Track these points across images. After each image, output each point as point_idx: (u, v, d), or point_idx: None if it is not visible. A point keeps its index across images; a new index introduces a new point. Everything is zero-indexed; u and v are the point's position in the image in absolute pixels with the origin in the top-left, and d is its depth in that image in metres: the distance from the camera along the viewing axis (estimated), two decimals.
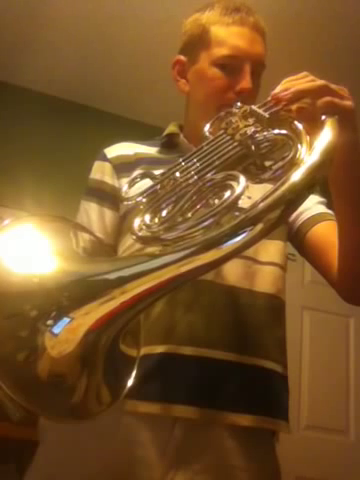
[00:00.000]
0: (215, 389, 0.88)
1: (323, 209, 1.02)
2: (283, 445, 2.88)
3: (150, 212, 0.66)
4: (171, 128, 1.10)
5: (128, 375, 0.67)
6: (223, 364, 0.88)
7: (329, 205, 1.01)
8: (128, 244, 0.95)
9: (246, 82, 0.95)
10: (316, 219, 1.00)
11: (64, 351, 0.60)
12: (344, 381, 2.94)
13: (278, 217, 0.56)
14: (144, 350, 0.76)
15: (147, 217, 0.65)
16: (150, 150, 1.08)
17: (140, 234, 0.63)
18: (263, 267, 0.97)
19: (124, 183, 0.98)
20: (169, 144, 1.07)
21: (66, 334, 0.59)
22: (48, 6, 2.47)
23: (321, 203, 1.04)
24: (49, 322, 0.59)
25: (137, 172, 1.00)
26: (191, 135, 1.05)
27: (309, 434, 2.80)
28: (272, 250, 0.98)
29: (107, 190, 1.03)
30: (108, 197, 1.02)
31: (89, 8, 2.46)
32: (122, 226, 0.99)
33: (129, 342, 0.68)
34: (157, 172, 0.98)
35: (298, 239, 1.02)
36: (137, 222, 0.65)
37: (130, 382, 0.67)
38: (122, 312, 0.59)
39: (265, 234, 0.56)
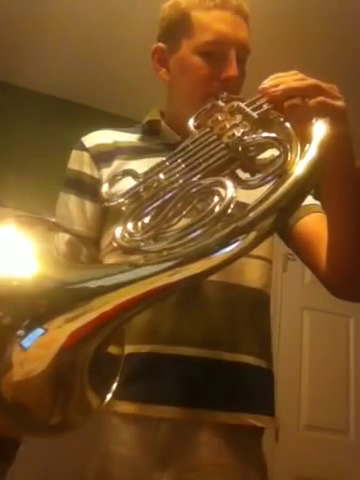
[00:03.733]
0: (200, 388, 0.87)
1: (311, 200, 0.99)
2: (283, 445, 2.88)
3: (132, 218, 0.63)
4: (152, 115, 1.06)
5: (112, 380, 0.64)
6: (208, 363, 0.87)
7: (316, 195, 0.97)
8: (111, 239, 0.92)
9: (232, 69, 0.91)
10: (304, 211, 0.97)
11: (34, 371, 0.54)
12: (344, 381, 2.93)
13: (271, 225, 0.54)
14: (128, 349, 0.74)
15: (130, 225, 0.62)
16: (130, 138, 1.04)
17: (123, 244, 0.60)
18: (251, 261, 0.94)
19: (104, 173, 0.97)
20: (151, 131, 1.04)
21: (37, 349, 0.54)
22: (48, 6, 2.46)
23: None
24: (20, 332, 0.53)
25: (117, 162, 0.97)
26: (174, 124, 1.01)
27: (309, 434, 2.80)
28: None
29: (86, 181, 0.99)
30: (88, 189, 0.98)
31: (89, 8, 2.44)
32: (105, 218, 0.96)
33: (113, 341, 0.65)
34: (137, 162, 0.94)
35: (285, 231, 0.99)
36: (119, 230, 0.62)
37: (114, 386, 0.63)
38: (102, 324, 0.55)
39: (258, 243, 0.54)
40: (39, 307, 0.54)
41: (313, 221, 0.96)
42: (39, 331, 0.53)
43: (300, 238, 0.97)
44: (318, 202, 0.98)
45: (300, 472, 2.68)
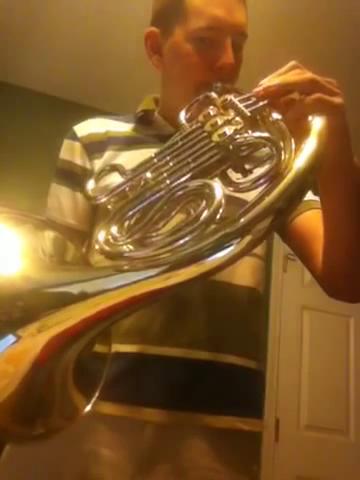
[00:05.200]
0: (186, 390, 0.84)
1: (310, 196, 0.96)
2: (283, 445, 2.88)
3: (117, 220, 0.60)
4: (146, 104, 1.03)
5: (98, 380, 0.60)
6: (195, 364, 0.85)
7: (315, 191, 0.93)
8: None
9: (227, 57, 0.86)
10: (302, 207, 0.94)
11: (4, 392, 0.49)
12: (344, 381, 2.93)
13: (268, 227, 0.51)
14: (114, 349, 0.71)
15: (114, 228, 0.59)
16: (123, 127, 1.01)
17: (106, 249, 0.57)
18: (244, 258, 0.92)
19: (96, 164, 0.94)
20: (144, 121, 1.00)
21: (4, 364, 0.49)
22: (48, 6, 2.46)
23: None
24: None
25: (108, 152, 0.95)
26: (167, 113, 0.98)
27: (309, 434, 2.80)
28: None
29: (78, 172, 0.97)
30: (79, 180, 0.95)
31: (89, 8, 2.44)
32: (96, 212, 0.93)
33: (100, 340, 0.61)
34: (129, 153, 0.92)
35: (282, 227, 0.95)
36: (102, 234, 0.59)
37: (100, 387, 0.60)
38: (84, 330, 0.52)
39: (255, 246, 0.52)
40: (14, 310, 0.50)
41: (311, 218, 0.93)
42: (10, 339, 0.49)
43: (297, 235, 0.94)
44: (317, 198, 0.94)
45: (300, 472, 2.68)
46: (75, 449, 0.82)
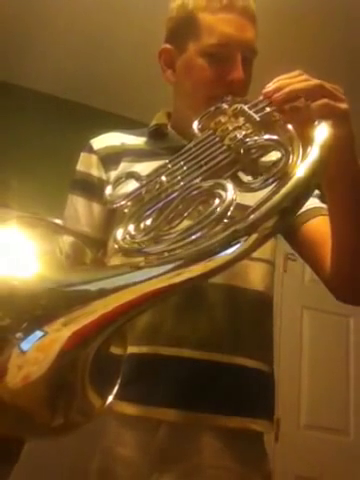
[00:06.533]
0: (200, 391, 0.86)
1: (318, 203, 0.99)
2: (283, 445, 2.88)
3: (134, 220, 0.63)
4: (159, 117, 1.08)
5: (114, 380, 0.63)
6: (208, 365, 0.87)
7: (323, 198, 0.97)
8: None
9: (237, 72, 0.91)
10: (311, 214, 0.97)
11: (33, 375, 0.53)
12: (344, 381, 2.93)
13: (272, 227, 0.54)
14: (129, 349, 0.73)
15: (131, 227, 0.63)
16: (137, 141, 1.05)
17: (124, 245, 0.60)
18: (253, 263, 0.94)
19: (111, 176, 0.98)
20: (157, 134, 1.04)
21: (35, 353, 0.52)
22: (49, 6, 2.47)
23: (315, 196, 1.00)
24: (18, 335, 0.52)
25: (123, 164, 0.99)
26: (179, 126, 1.02)
27: (309, 434, 2.80)
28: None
29: (94, 183, 1.01)
30: (95, 190, 1.00)
31: (90, 7, 2.45)
32: (112, 220, 0.96)
33: (115, 341, 0.64)
34: (142, 165, 0.96)
35: (291, 232, 0.99)
36: (120, 232, 0.62)
37: (116, 387, 0.63)
38: (102, 326, 0.55)
39: (260, 245, 0.54)
40: (38, 308, 0.53)
41: (319, 224, 0.95)
42: (38, 334, 0.52)
43: (305, 240, 0.97)
44: (325, 205, 0.97)
45: (300, 472, 2.68)
46: (95, 446, 0.85)
